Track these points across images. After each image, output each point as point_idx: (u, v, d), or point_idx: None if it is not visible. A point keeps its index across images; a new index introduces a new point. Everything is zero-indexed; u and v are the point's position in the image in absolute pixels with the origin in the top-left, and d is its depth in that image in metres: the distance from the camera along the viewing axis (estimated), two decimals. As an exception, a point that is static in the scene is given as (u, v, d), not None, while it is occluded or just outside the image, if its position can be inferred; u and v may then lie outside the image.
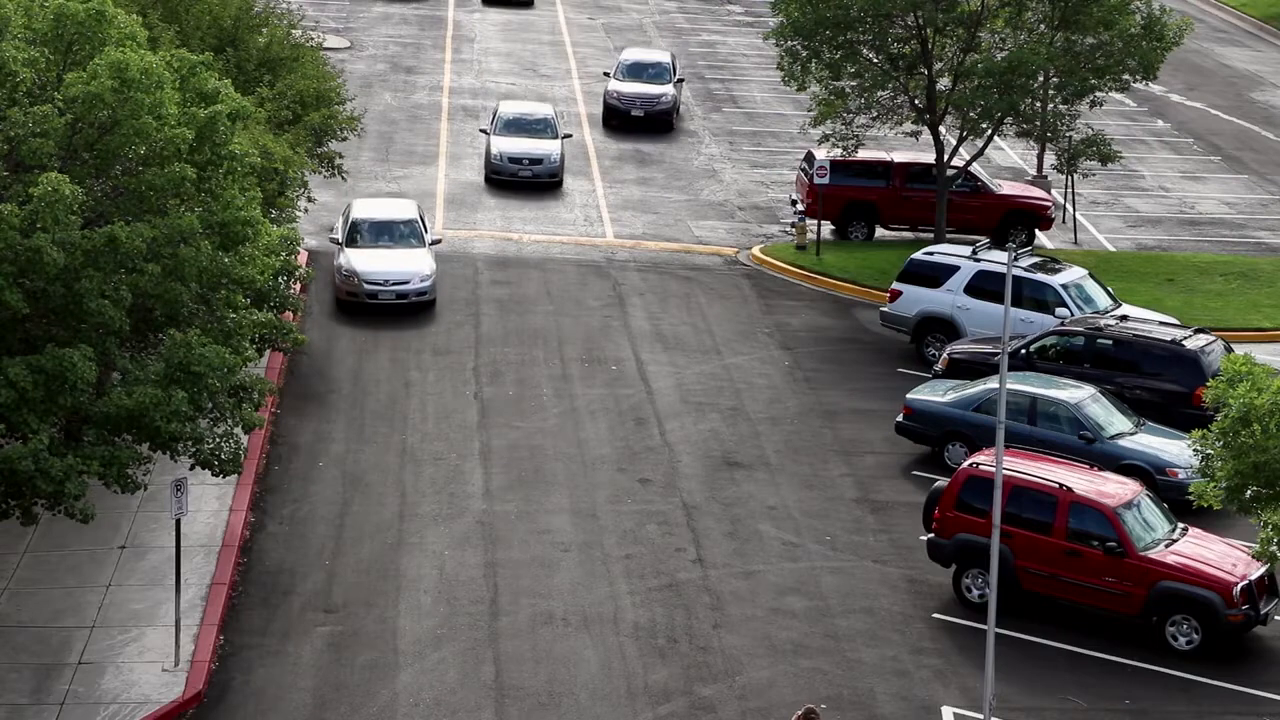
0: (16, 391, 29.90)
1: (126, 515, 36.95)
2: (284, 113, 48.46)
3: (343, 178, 53.63)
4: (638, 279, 53.42)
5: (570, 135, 63.94)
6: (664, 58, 71.52)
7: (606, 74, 71.44)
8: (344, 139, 53.68)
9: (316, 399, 43.85)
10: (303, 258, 48.64)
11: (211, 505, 37.65)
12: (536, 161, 61.15)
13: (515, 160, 61.15)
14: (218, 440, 33.20)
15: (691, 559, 36.97)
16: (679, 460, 41.46)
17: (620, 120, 68.54)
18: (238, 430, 34.04)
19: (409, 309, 49.13)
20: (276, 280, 37.65)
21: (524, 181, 60.97)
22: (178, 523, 32.68)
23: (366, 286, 49.02)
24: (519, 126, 62.41)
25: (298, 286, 45.21)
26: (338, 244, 50.58)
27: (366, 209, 51.92)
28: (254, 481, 38.88)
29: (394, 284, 49.04)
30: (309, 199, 50.59)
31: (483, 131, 63.18)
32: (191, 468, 33.47)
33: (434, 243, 51.26)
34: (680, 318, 50.41)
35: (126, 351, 32.50)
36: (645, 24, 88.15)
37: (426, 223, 52.16)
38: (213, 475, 33.52)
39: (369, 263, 49.45)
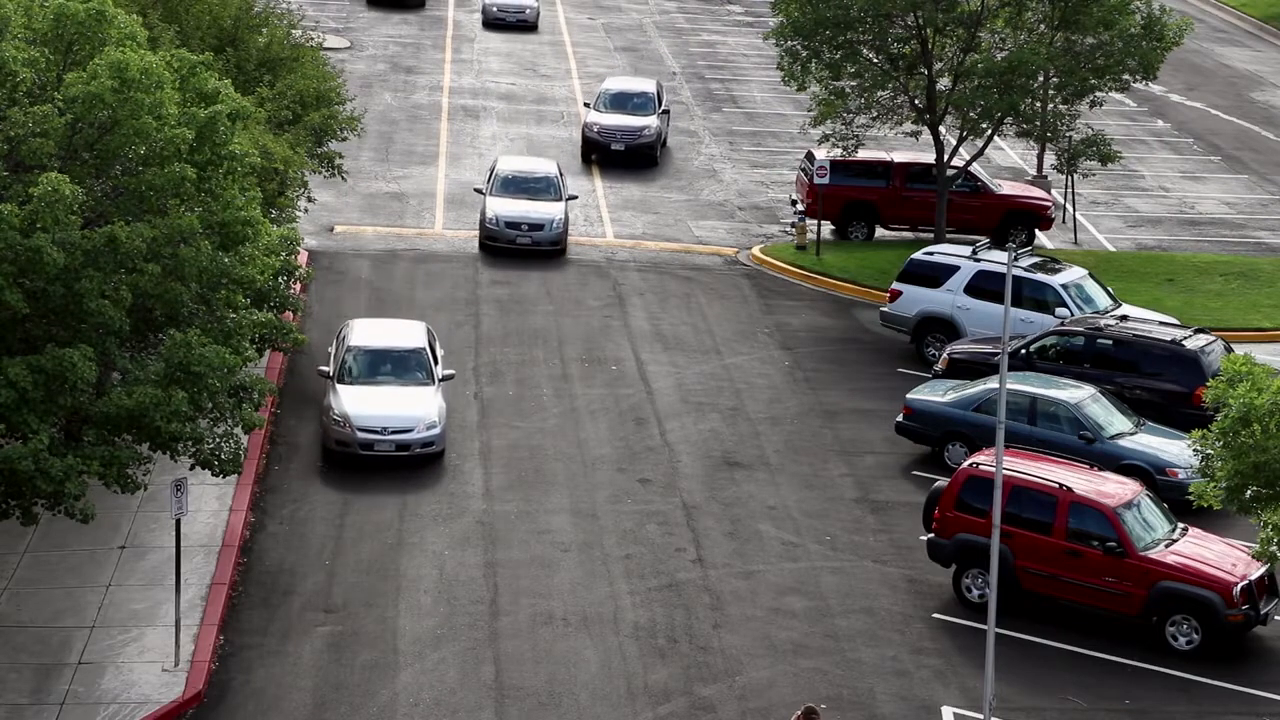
0: (16, 391, 29.90)
1: (126, 515, 36.95)
2: (284, 113, 48.43)
3: (343, 178, 53.58)
4: (638, 279, 53.42)
5: (576, 196, 57.60)
6: (648, 87, 67.13)
7: (587, 105, 67.12)
8: (344, 139, 53.63)
9: (316, 399, 43.84)
10: (303, 258, 48.64)
11: (211, 505, 37.65)
12: (537, 227, 54.66)
13: (513, 225, 54.71)
14: (218, 440, 33.20)
15: (691, 559, 36.97)
16: (679, 460, 41.46)
17: (600, 154, 64.20)
18: (238, 430, 34.03)
19: (411, 462, 40.37)
20: (276, 280, 37.65)
21: (522, 249, 54.66)
22: (178, 523, 32.68)
23: (360, 435, 39.95)
24: (518, 186, 56.15)
25: (298, 286, 45.21)
26: (327, 378, 41.88)
27: (365, 334, 42.86)
28: (254, 481, 38.88)
29: (393, 432, 40.08)
30: (309, 199, 50.57)
31: (478, 191, 57.12)
32: (191, 468, 33.47)
33: (445, 378, 42.31)
34: (680, 318, 50.41)
35: (126, 351, 32.48)
36: (645, 24, 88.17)
37: (437, 350, 43.36)
38: (213, 475, 33.51)
39: (364, 405, 40.50)
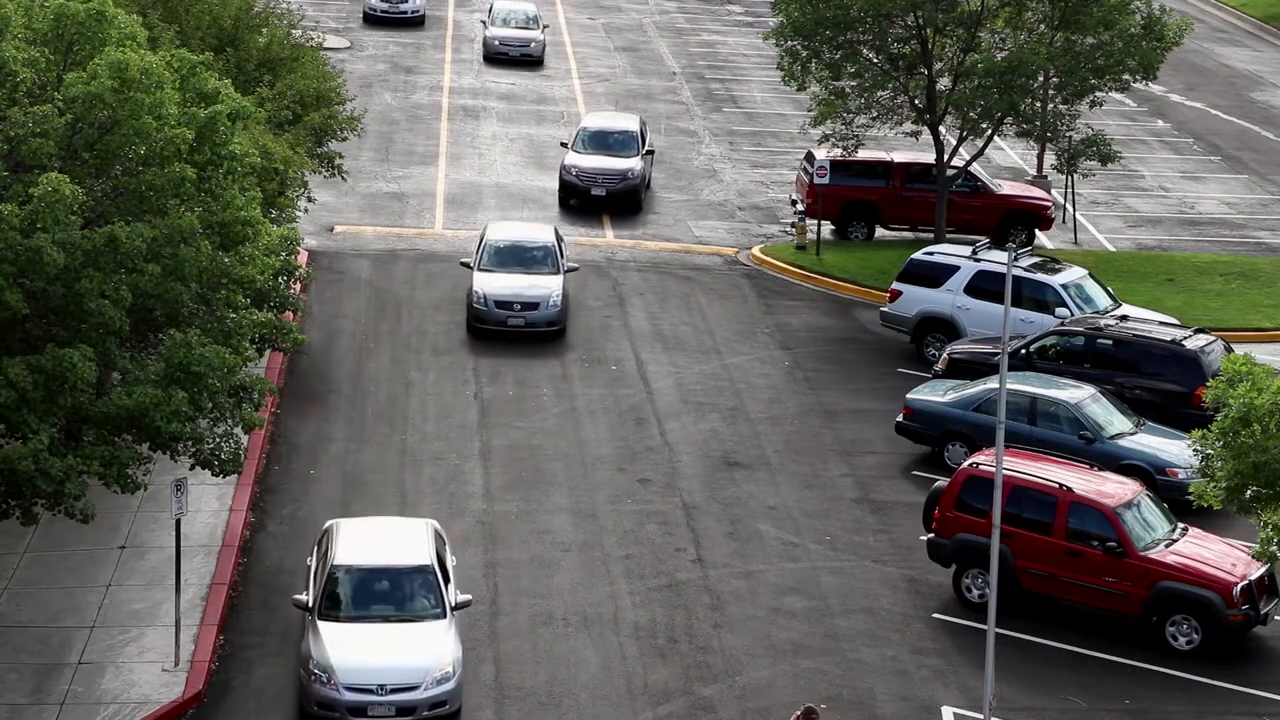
0: (16, 391, 29.90)
1: (126, 515, 36.95)
2: (284, 113, 48.43)
3: (343, 178, 53.57)
4: (638, 279, 53.41)
5: (576, 268, 50.89)
6: (631, 125, 61.50)
7: (564, 144, 61.67)
8: (344, 139, 53.64)
9: (316, 399, 43.85)
10: (303, 258, 48.62)
11: (211, 505, 37.65)
12: (530, 306, 47.51)
13: (503, 305, 47.50)
14: (218, 440, 33.20)
15: (691, 559, 36.97)
16: (679, 460, 41.46)
17: (580, 199, 58.84)
18: (238, 430, 34.03)
19: None
20: (276, 280, 37.64)
21: (515, 331, 47.71)
22: (178, 523, 32.68)
23: (348, 695, 30.36)
24: (511, 257, 49.08)
25: (298, 286, 45.20)
26: (305, 611, 32.01)
27: (353, 545, 32.71)
28: (254, 481, 38.88)
29: (393, 691, 30.51)
30: (309, 199, 50.57)
31: (464, 265, 49.87)
32: (191, 468, 33.47)
33: (460, 605, 32.22)
34: (680, 318, 50.41)
35: (126, 351, 32.48)
36: (645, 24, 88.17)
37: (447, 561, 33.38)
38: (213, 475, 33.51)
39: (352, 652, 30.90)
